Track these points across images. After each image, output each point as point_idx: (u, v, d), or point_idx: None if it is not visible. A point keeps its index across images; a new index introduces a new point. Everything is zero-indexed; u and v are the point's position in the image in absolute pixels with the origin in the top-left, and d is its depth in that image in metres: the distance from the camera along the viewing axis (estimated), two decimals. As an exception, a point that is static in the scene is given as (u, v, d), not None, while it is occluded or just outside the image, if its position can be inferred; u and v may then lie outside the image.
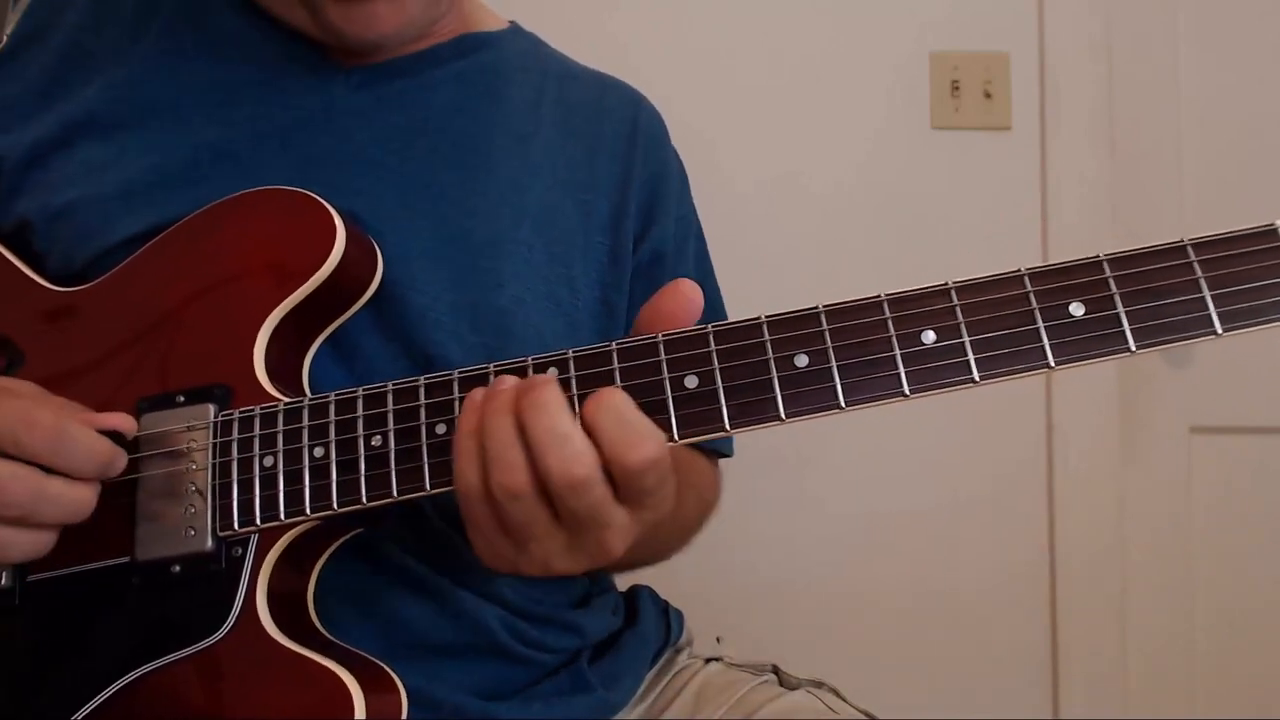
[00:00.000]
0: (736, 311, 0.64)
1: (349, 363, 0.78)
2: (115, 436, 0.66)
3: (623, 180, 0.92)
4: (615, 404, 0.59)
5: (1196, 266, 0.57)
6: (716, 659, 0.96)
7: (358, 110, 0.84)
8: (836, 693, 0.90)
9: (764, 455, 1.69)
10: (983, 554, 1.75)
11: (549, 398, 0.59)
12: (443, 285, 0.80)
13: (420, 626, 0.77)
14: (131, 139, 0.81)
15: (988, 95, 1.77)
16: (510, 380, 0.61)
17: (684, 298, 0.64)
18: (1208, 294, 0.57)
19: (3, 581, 0.69)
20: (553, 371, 0.63)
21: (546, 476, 0.58)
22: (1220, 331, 0.56)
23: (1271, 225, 0.57)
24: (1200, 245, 0.57)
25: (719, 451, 0.97)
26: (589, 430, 0.59)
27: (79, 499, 0.64)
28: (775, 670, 0.93)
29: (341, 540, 0.72)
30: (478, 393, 0.61)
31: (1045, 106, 1.78)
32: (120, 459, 0.65)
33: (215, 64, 0.85)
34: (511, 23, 0.99)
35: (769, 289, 1.77)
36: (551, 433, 0.58)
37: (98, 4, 0.88)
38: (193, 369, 0.72)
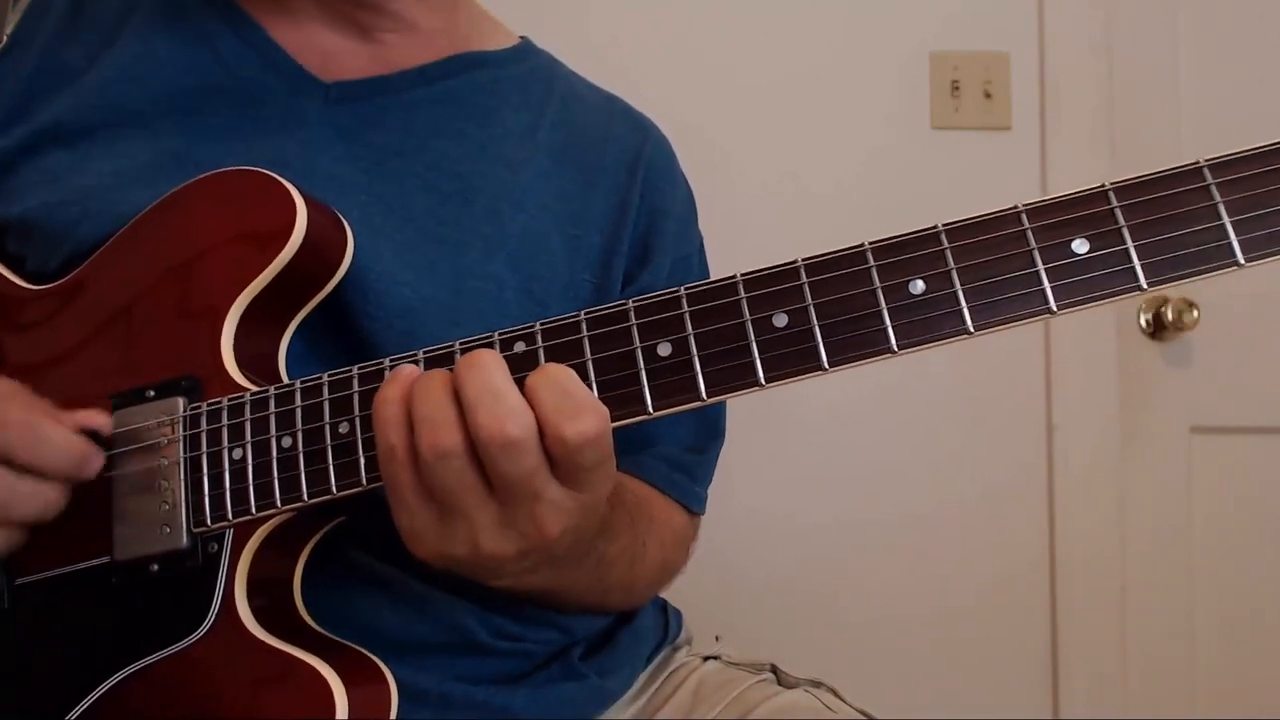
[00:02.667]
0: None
1: (310, 370, 0.75)
2: (92, 435, 0.65)
3: (618, 213, 0.88)
4: (557, 376, 0.57)
5: (1214, 190, 0.52)
6: (714, 657, 0.94)
7: (332, 125, 0.82)
8: (835, 693, 0.89)
9: (764, 454, 1.68)
10: (983, 554, 1.74)
11: (486, 358, 0.57)
12: (396, 313, 0.76)
13: (397, 630, 0.76)
14: (97, 147, 0.79)
15: (988, 95, 1.77)
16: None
17: None
18: (1227, 221, 0.52)
19: None
20: (520, 346, 0.61)
21: (477, 433, 0.56)
22: (1244, 261, 0.51)
23: None
24: (1219, 166, 0.52)
25: (689, 508, 0.90)
26: (530, 401, 0.57)
27: (49, 498, 0.64)
28: (773, 669, 0.91)
29: (327, 528, 0.71)
30: (404, 368, 0.60)
31: (1045, 106, 1.77)
32: (95, 458, 0.65)
33: (187, 71, 0.82)
34: (523, 39, 0.96)
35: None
36: (486, 389, 0.56)
37: (75, 11, 0.85)
38: (162, 361, 0.70)
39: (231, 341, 0.70)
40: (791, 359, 0.57)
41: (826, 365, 0.56)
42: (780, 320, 0.57)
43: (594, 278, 0.86)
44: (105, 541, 0.67)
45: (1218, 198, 0.52)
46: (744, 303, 0.58)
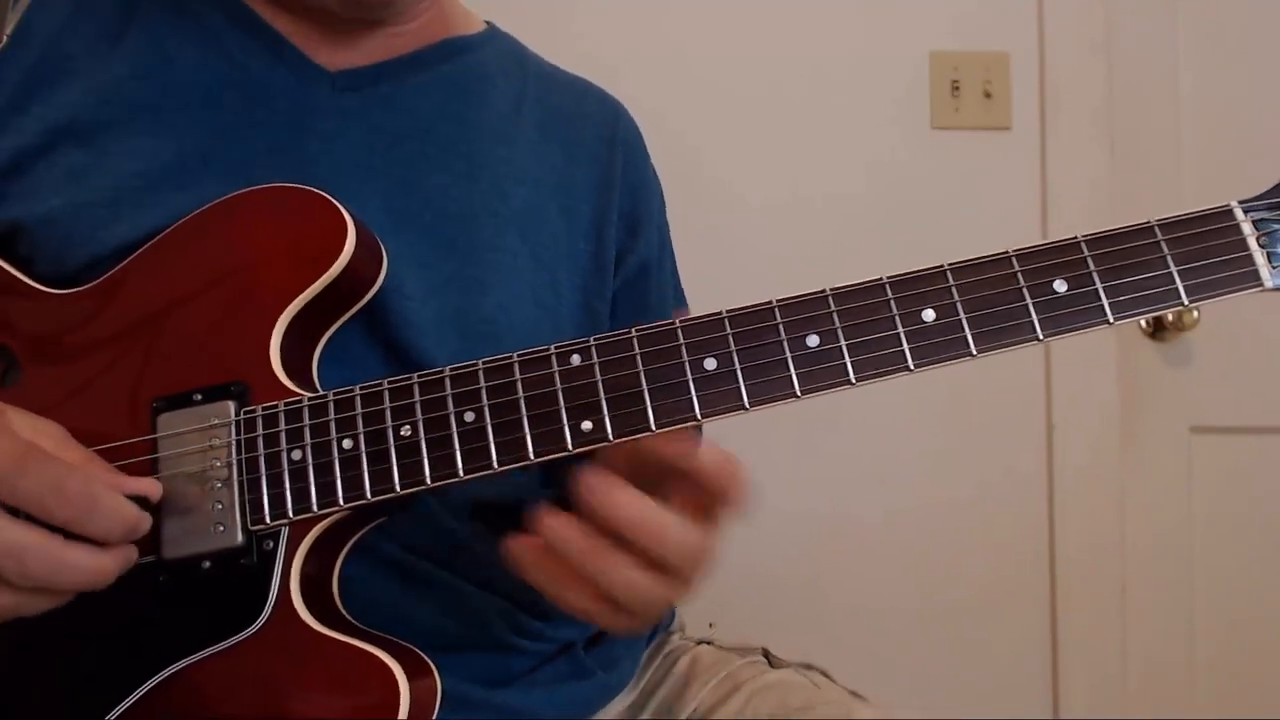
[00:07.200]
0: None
1: (339, 366, 0.77)
2: (140, 500, 0.65)
3: (603, 186, 0.94)
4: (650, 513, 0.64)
5: (1163, 245, 0.63)
6: (707, 641, 0.98)
7: (344, 113, 0.85)
8: (825, 674, 0.93)
9: (763, 455, 1.69)
10: (983, 554, 1.77)
11: (640, 513, 0.63)
12: (429, 290, 0.81)
13: (425, 625, 0.77)
14: (114, 144, 0.80)
15: (988, 95, 1.79)
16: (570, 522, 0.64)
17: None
18: (1174, 269, 0.63)
19: None
20: (575, 359, 0.66)
21: (665, 564, 0.63)
22: (1187, 302, 0.63)
23: (1227, 206, 0.63)
24: (1166, 225, 0.64)
25: None
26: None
27: (100, 569, 0.63)
28: (765, 653, 0.95)
29: (366, 528, 0.73)
30: (552, 527, 0.63)
31: (1045, 106, 1.80)
32: (144, 523, 0.64)
33: (198, 65, 0.84)
34: (488, 23, 1.00)
35: (769, 290, 1.77)
36: (661, 534, 0.63)
37: (76, 6, 0.86)
38: (206, 366, 0.72)
39: (279, 348, 0.72)
40: (823, 375, 0.65)
41: (853, 380, 0.65)
42: (813, 341, 0.65)
43: (590, 246, 0.91)
44: (149, 540, 0.67)
45: (1166, 251, 0.63)
46: (780, 325, 0.66)
